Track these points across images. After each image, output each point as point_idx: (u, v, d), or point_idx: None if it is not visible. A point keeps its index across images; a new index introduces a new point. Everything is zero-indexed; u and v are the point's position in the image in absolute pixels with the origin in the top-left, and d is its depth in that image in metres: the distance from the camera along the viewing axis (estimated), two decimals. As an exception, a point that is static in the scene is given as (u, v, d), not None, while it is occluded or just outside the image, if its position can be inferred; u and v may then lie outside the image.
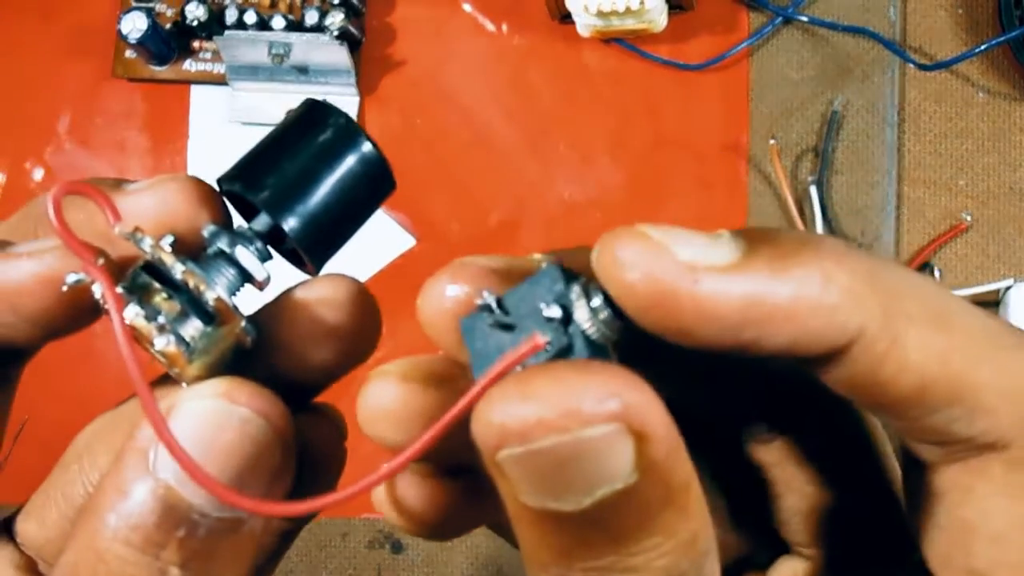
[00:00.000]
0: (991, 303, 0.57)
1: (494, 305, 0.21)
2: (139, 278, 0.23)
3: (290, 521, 0.27)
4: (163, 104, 0.61)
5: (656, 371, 0.25)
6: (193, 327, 0.23)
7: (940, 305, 0.22)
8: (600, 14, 0.57)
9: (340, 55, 0.58)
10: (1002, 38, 0.55)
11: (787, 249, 0.21)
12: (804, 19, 0.59)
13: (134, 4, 0.61)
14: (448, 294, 0.23)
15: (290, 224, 0.24)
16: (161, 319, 0.22)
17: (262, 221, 0.24)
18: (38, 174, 0.61)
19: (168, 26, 0.60)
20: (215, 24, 0.59)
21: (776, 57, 0.60)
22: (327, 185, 0.24)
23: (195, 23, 0.59)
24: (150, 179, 0.24)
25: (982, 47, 0.55)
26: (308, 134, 0.24)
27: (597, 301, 0.21)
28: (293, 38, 0.57)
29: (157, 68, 0.61)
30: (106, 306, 0.21)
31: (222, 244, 0.24)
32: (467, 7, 0.61)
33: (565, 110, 0.60)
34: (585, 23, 0.58)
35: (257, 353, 0.24)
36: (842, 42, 0.59)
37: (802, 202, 0.58)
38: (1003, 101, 0.59)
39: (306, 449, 0.25)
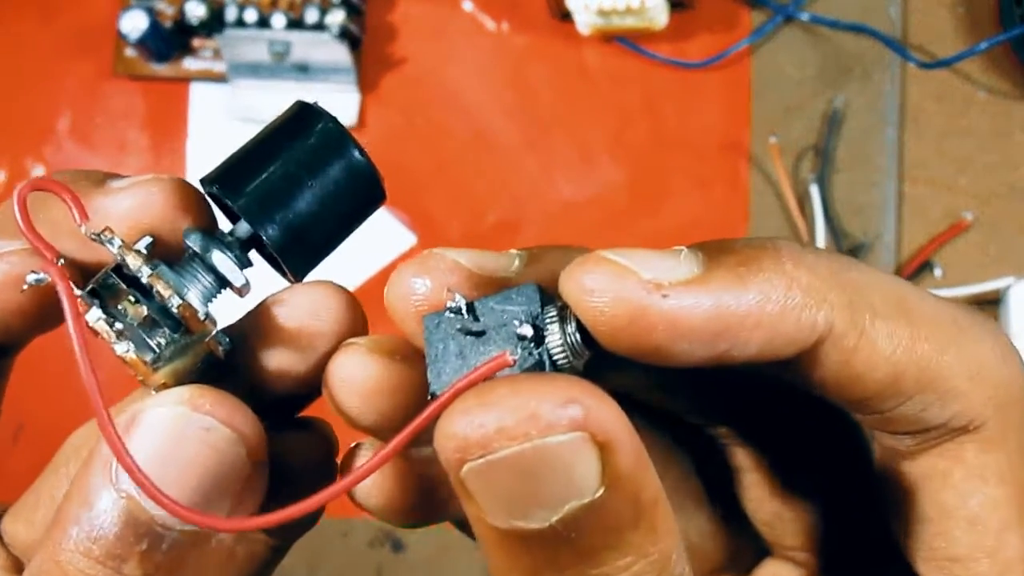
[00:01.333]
0: (991, 302, 0.57)
1: (464, 310, 0.21)
2: (109, 279, 0.22)
3: (277, 535, 0.26)
4: (163, 102, 0.61)
5: (642, 383, 0.26)
6: (160, 334, 0.22)
7: (901, 296, 0.22)
8: (600, 12, 0.57)
9: (340, 53, 0.58)
10: (1003, 36, 0.55)
11: (747, 256, 0.21)
12: (805, 17, 0.59)
13: (134, 2, 0.61)
14: (415, 288, 0.22)
15: (269, 232, 0.23)
16: (120, 325, 0.21)
17: (244, 227, 0.23)
18: (38, 172, 0.61)
19: (168, 24, 0.60)
20: (215, 22, 0.59)
21: (777, 55, 0.60)
22: (311, 193, 0.23)
23: (195, 21, 0.59)
24: (134, 177, 0.24)
25: (983, 45, 0.55)
26: (295, 138, 0.23)
27: (571, 328, 0.20)
28: (293, 36, 0.57)
29: (157, 66, 0.61)
30: (64, 308, 0.20)
31: (199, 249, 0.23)
32: (467, 5, 0.61)
33: (565, 109, 0.60)
34: (585, 21, 0.58)
35: (235, 364, 0.24)
36: (843, 40, 0.59)
37: (803, 200, 0.58)
38: (1004, 99, 0.59)
39: (290, 465, 0.25)
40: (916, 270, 0.57)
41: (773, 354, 0.21)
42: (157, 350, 0.22)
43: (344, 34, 0.58)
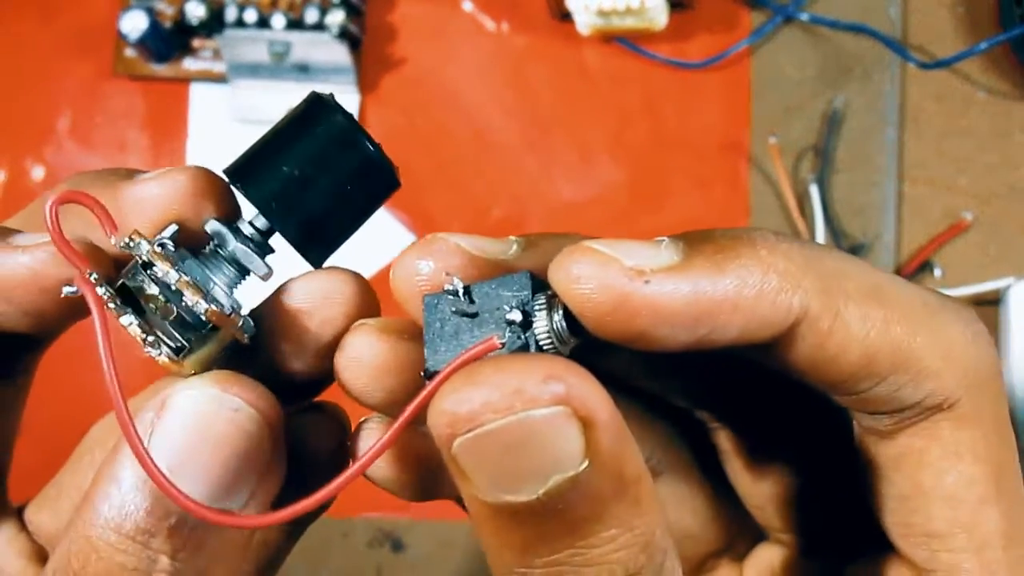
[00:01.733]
0: (991, 302, 0.57)
1: (461, 292, 0.22)
2: (138, 276, 0.23)
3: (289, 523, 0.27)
4: (163, 102, 0.61)
5: (633, 368, 0.27)
6: (188, 329, 0.23)
7: (874, 280, 0.23)
8: (600, 13, 0.57)
9: (340, 53, 0.58)
10: (1002, 37, 0.55)
11: (725, 244, 0.22)
12: (805, 18, 0.59)
13: (134, 3, 0.61)
14: (419, 270, 0.23)
15: (286, 228, 0.24)
16: (150, 334, 0.22)
17: (263, 219, 0.24)
18: (38, 172, 0.61)
19: (168, 24, 0.60)
20: (215, 22, 0.59)
21: (777, 56, 0.60)
22: (326, 187, 0.24)
23: (195, 21, 0.59)
24: (161, 169, 0.25)
25: (983, 46, 0.55)
26: (309, 132, 0.24)
27: (557, 316, 0.21)
28: (293, 36, 0.57)
29: (157, 66, 0.61)
30: (92, 316, 0.21)
31: (222, 240, 0.24)
32: (467, 6, 0.61)
33: (565, 109, 0.60)
34: (585, 22, 0.58)
35: (255, 348, 0.25)
36: (843, 41, 0.59)
37: (803, 200, 0.58)
38: (1004, 100, 0.59)
39: (305, 447, 0.26)
40: (916, 270, 0.57)
41: (752, 337, 0.22)
42: (187, 344, 0.23)
43: (344, 34, 0.58)
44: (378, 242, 0.59)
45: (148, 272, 0.23)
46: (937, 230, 0.58)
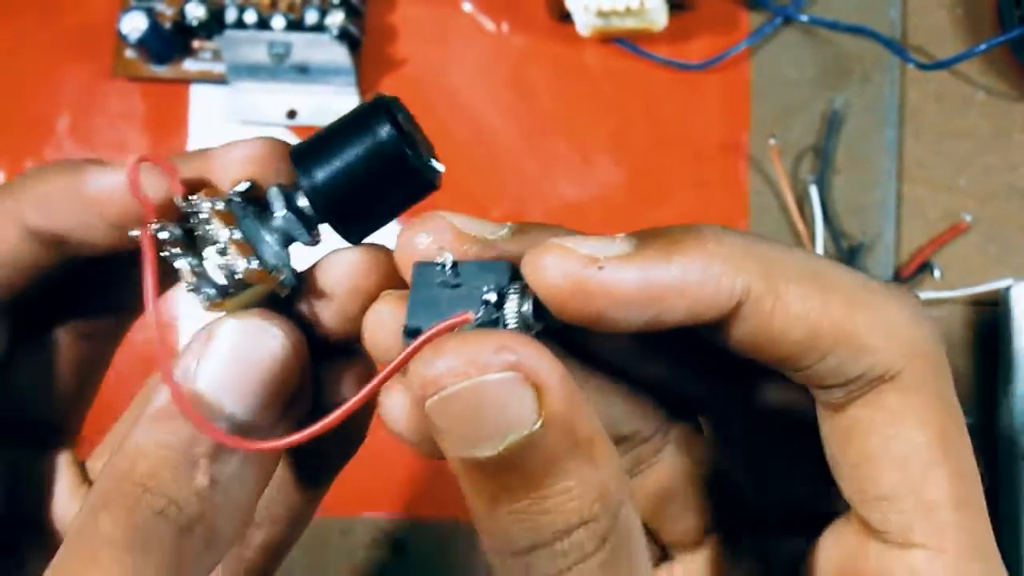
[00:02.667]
0: (991, 303, 0.57)
1: (448, 266, 0.25)
2: (197, 228, 0.27)
3: (305, 490, 0.32)
4: (163, 103, 0.61)
5: (622, 355, 0.30)
6: (234, 280, 0.26)
7: (814, 265, 0.26)
8: (600, 14, 0.57)
9: (340, 54, 0.58)
10: (1002, 38, 0.55)
11: (673, 238, 0.25)
12: (804, 19, 0.59)
13: (134, 4, 0.61)
14: (417, 243, 0.26)
15: (332, 220, 0.28)
16: (197, 279, 0.26)
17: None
18: (38, 173, 0.61)
19: (168, 25, 0.60)
20: (215, 23, 0.59)
21: (776, 57, 0.60)
22: (371, 188, 0.27)
23: (195, 22, 0.59)
24: (245, 139, 0.29)
25: (982, 47, 0.55)
26: (362, 137, 0.27)
27: (527, 303, 0.25)
28: (293, 37, 0.58)
29: (157, 67, 0.61)
30: (144, 255, 0.25)
31: (278, 208, 0.27)
32: (467, 6, 0.61)
33: (565, 110, 0.60)
34: (585, 22, 0.58)
35: (291, 303, 0.28)
36: (842, 42, 0.59)
37: (802, 201, 0.58)
38: (1003, 100, 0.59)
39: (323, 392, 0.29)
40: (915, 271, 0.57)
41: (700, 318, 0.25)
42: (233, 290, 0.26)
43: (344, 35, 0.58)
44: (379, 241, 0.59)
45: (207, 227, 0.26)
46: (936, 231, 0.58)
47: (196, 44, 0.61)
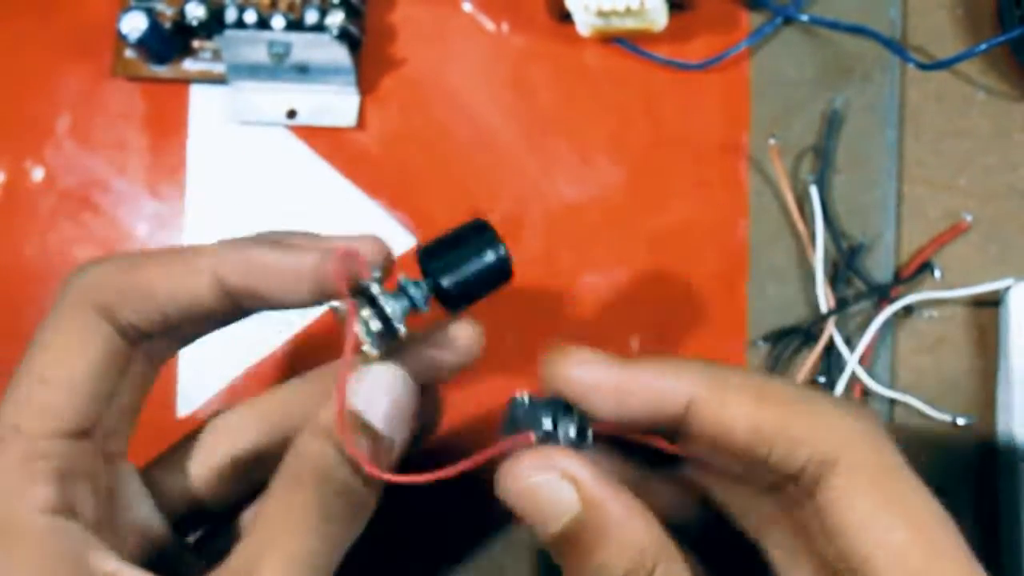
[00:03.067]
0: (991, 303, 0.57)
1: (527, 401, 0.36)
2: (372, 301, 0.37)
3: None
4: (163, 103, 0.61)
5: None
6: (383, 336, 0.37)
7: (756, 380, 0.34)
8: (600, 14, 0.57)
9: (340, 54, 0.58)
10: (1002, 38, 0.55)
11: (648, 359, 0.35)
12: (804, 19, 0.59)
13: (133, 3, 0.61)
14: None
15: (449, 306, 0.40)
16: (369, 333, 0.36)
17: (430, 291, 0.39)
18: (38, 173, 0.61)
19: (168, 25, 0.60)
20: (215, 23, 0.59)
21: (776, 57, 0.60)
22: (477, 285, 0.39)
23: (195, 22, 0.59)
24: (372, 237, 0.40)
25: (982, 47, 0.55)
26: (475, 251, 0.40)
27: (573, 429, 0.35)
28: (293, 37, 0.58)
29: (157, 67, 0.61)
30: (348, 326, 0.36)
31: (409, 290, 0.38)
32: (467, 6, 0.61)
33: (565, 110, 0.60)
34: (585, 22, 0.58)
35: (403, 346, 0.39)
36: (842, 42, 0.59)
37: (802, 201, 0.58)
38: (1003, 100, 0.59)
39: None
40: (916, 271, 0.57)
41: (659, 412, 0.34)
42: (380, 346, 0.37)
43: (344, 35, 0.58)
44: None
45: (376, 300, 0.37)
46: (937, 230, 0.58)
47: (196, 44, 0.61)
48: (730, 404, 0.33)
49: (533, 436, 0.34)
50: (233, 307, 0.38)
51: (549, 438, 0.34)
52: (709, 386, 0.33)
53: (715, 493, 0.38)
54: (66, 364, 0.34)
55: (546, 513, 0.32)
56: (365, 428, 0.36)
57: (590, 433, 0.35)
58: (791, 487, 0.33)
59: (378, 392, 0.36)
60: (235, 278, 0.37)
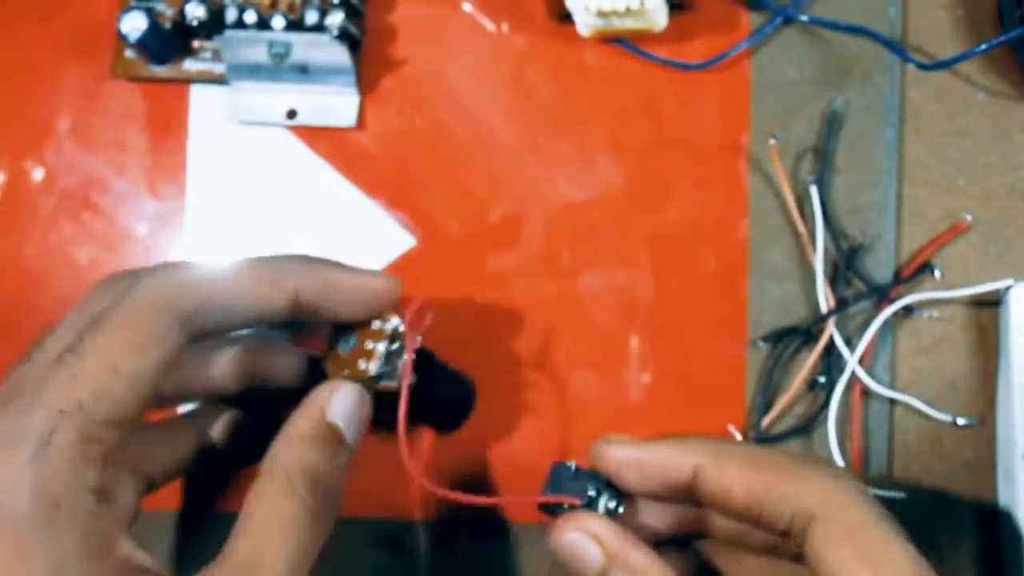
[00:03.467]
0: (991, 303, 0.57)
1: (574, 468, 0.42)
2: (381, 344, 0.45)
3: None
4: (163, 103, 0.61)
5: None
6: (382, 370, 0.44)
7: (752, 449, 0.40)
8: (600, 14, 0.57)
9: (340, 54, 0.58)
10: (1002, 38, 0.55)
11: (664, 439, 0.41)
12: (804, 19, 0.59)
13: (133, 4, 0.61)
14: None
15: (441, 425, 0.55)
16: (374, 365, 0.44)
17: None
18: (38, 174, 0.61)
19: (168, 25, 0.60)
20: (215, 23, 0.59)
21: (776, 57, 0.60)
22: (453, 410, 0.54)
23: (195, 22, 0.59)
24: (391, 278, 0.46)
25: (982, 47, 0.55)
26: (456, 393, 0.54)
27: (613, 501, 0.42)
28: (293, 37, 0.57)
29: (157, 67, 0.61)
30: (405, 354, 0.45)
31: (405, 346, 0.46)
32: (467, 7, 0.61)
33: (565, 109, 0.60)
34: (585, 23, 0.58)
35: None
36: (842, 42, 0.59)
37: (802, 201, 0.58)
38: (1003, 100, 0.59)
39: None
40: (915, 271, 0.57)
41: (670, 482, 0.40)
42: (376, 374, 0.44)
43: (344, 35, 0.58)
44: (376, 244, 0.59)
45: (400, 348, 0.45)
46: (937, 231, 0.58)
47: (196, 44, 0.61)
48: (729, 469, 0.38)
49: (578, 500, 0.41)
50: (290, 316, 0.42)
51: (592, 504, 0.41)
52: (711, 455, 0.39)
53: (729, 564, 0.44)
54: (138, 360, 0.37)
55: (580, 563, 0.39)
56: (340, 440, 0.42)
57: (623, 505, 0.42)
58: (791, 545, 0.38)
59: (353, 408, 0.43)
60: (311, 296, 0.42)
